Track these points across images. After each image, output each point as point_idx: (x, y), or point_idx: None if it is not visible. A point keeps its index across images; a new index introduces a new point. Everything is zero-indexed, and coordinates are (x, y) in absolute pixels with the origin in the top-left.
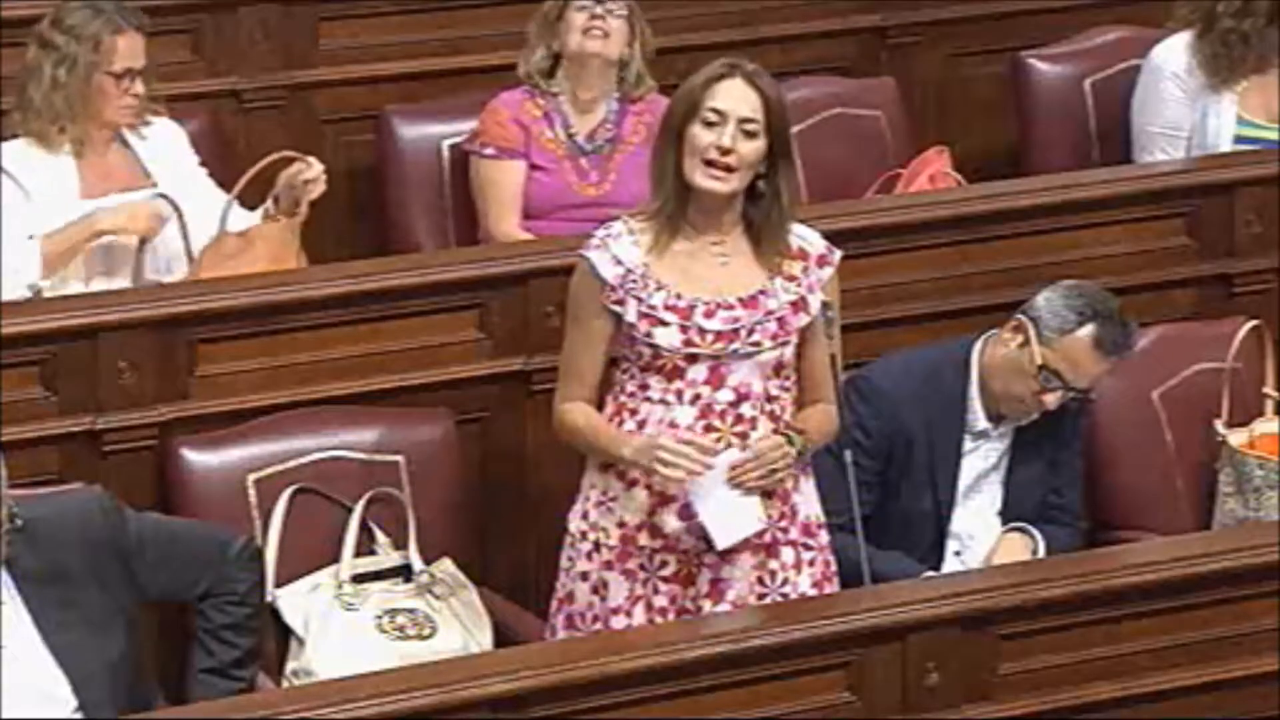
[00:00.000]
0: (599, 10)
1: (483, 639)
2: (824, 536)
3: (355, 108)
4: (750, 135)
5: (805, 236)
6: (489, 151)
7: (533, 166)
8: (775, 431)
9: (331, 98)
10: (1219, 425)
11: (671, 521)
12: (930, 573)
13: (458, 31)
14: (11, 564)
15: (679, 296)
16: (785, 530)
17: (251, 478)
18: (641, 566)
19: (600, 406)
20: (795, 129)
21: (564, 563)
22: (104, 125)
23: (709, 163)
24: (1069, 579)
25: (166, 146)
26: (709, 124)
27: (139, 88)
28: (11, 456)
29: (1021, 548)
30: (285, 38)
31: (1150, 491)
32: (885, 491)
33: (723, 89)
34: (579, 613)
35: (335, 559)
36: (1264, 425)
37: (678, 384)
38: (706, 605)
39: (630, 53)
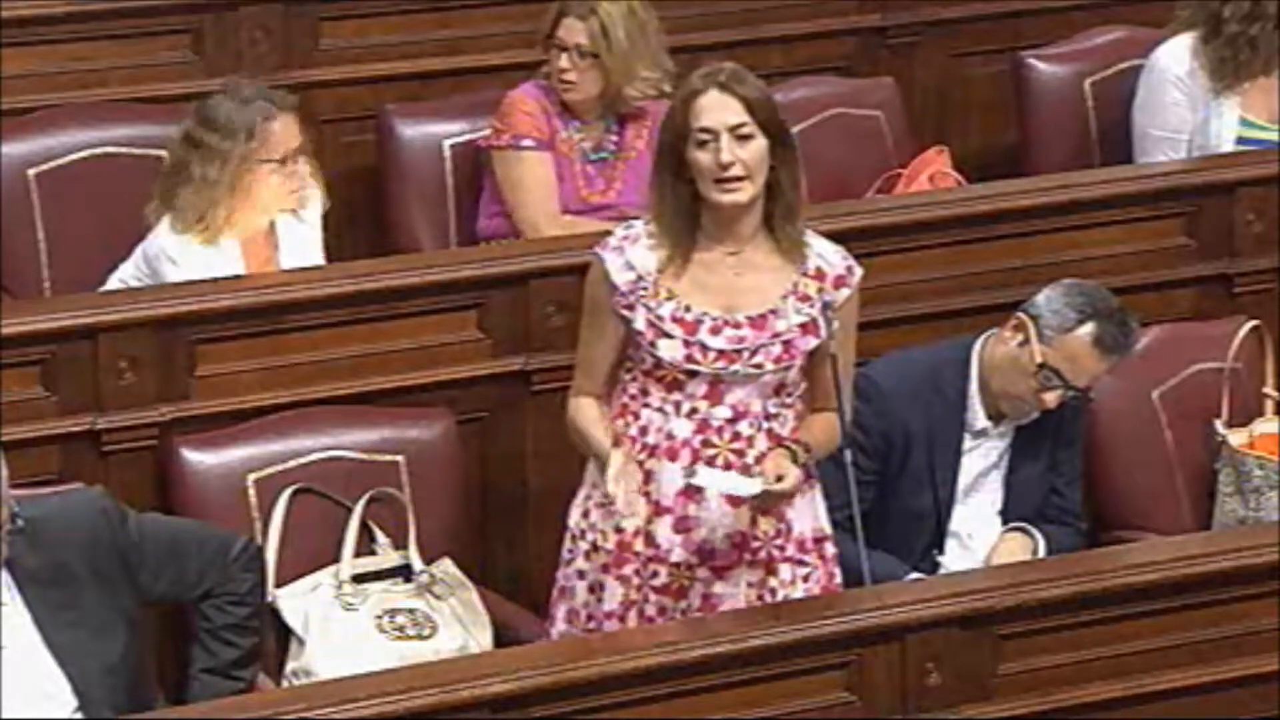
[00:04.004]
0: (564, 63)
1: (483, 639)
2: (828, 548)
3: (355, 108)
4: (746, 138)
5: (825, 255)
6: (528, 143)
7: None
8: (780, 444)
9: (331, 98)
10: (1219, 425)
11: (665, 533)
12: (915, 575)
13: (458, 31)
14: (12, 564)
15: (688, 309)
16: (781, 548)
17: (251, 478)
18: (636, 573)
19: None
20: (795, 129)
21: (565, 554)
22: (268, 213)
23: (719, 180)
24: (1069, 579)
25: (302, 232)
26: (703, 144)
27: (302, 168)
28: (11, 456)
29: (1021, 548)
30: (285, 38)
31: (1150, 491)
32: (885, 490)
33: (703, 106)
34: (575, 610)
35: (335, 559)
36: (1264, 425)
37: (676, 396)
38: None
39: (609, 85)
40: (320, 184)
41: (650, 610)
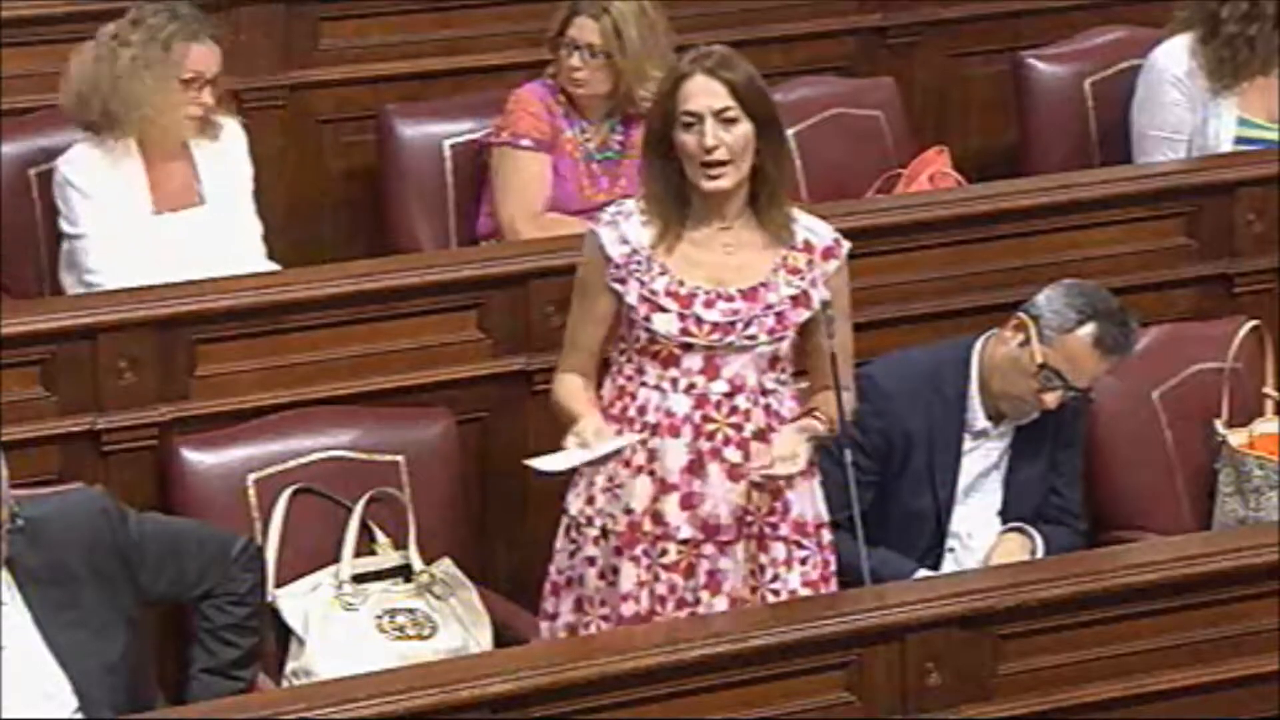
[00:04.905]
0: (575, 61)
1: (483, 639)
2: (825, 536)
3: (355, 108)
4: (731, 122)
5: (813, 229)
6: (526, 143)
7: (552, 165)
8: (808, 414)
9: (331, 98)
10: (1219, 425)
11: (672, 510)
12: (924, 571)
13: (458, 31)
14: (12, 564)
15: (681, 283)
16: (775, 526)
17: (251, 478)
18: (645, 553)
19: (599, 384)
20: (795, 129)
21: (564, 544)
22: (165, 131)
23: (704, 164)
24: (1069, 579)
25: (223, 158)
26: (688, 126)
27: (207, 97)
28: (11, 456)
29: (1019, 548)
30: (285, 38)
31: (1150, 491)
32: (885, 490)
33: (688, 90)
34: (588, 597)
35: (335, 559)
36: (1264, 425)
37: (673, 372)
38: (704, 596)
39: (619, 84)
40: (235, 119)
41: (661, 589)
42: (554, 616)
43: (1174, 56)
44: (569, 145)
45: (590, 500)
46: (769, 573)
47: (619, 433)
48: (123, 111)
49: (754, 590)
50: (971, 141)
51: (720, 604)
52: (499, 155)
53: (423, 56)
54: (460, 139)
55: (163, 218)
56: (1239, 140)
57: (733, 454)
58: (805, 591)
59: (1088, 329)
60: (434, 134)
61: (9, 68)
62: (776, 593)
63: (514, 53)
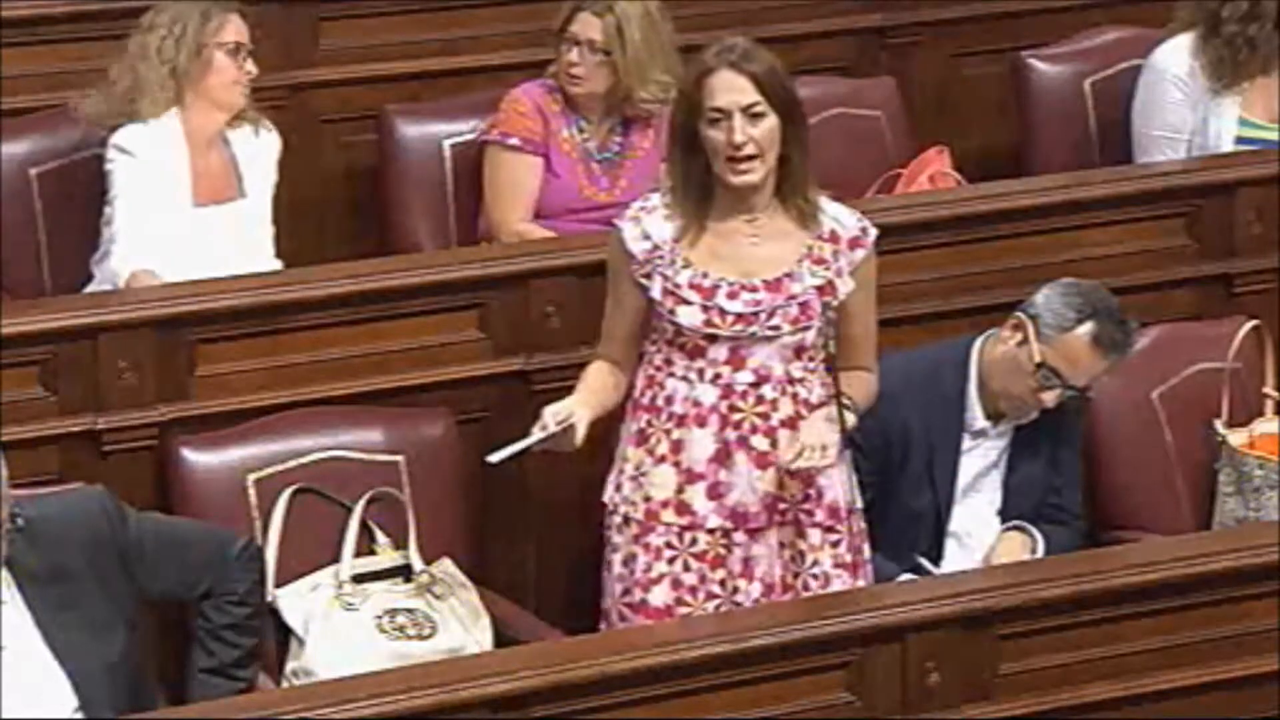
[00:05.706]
0: (574, 57)
1: (483, 639)
2: (858, 522)
3: (355, 108)
4: (758, 117)
5: (840, 219)
6: (513, 142)
7: (547, 166)
8: (834, 399)
9: (331, 98)
10: (1219, 425)
11: (699, 500)
12: (908, 576)
13: (458, 31)
14: (12, 564)
15: (705, 275)
16: (810, 513)
17: (251, 478)
18: (669, 544)
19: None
20: None
21: (606, 531)
22: (216, 105)
23: (731, 159)
24: (1069, 579)
25: (261, 159)
26: (715, 122)
27: (251, 67)
28: (11, 456)
29: (1020, 547)
30: (285, 38)
31: (1150, 491)
32: (884, 490)
33: (713, 85)
34: (614, 585)
35: (335, 559)
36: (1264, 425)
37: (700, 363)
38: (741, 584)
39: (617, 83)
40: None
41: (690, 579)
42: (606, 599)
43: (1175, 56)
44: (565, 145)
45: (619, 488)
46: (808, 559)
47: (626, 420)
48: (166, 93)
49: (796, 576)
50: (971, 141)
51: (755, 590)
52: (488, 154)
53: (423, 56)
54: (460, 139)
55: (203, 210)
56: (1239, 140)
57: (760, 442)
58: (837, 573)
59: (1086, 328)
60: (434, 134)
61: (9, 68)
62: (815, 576)
63: (514, 53)
